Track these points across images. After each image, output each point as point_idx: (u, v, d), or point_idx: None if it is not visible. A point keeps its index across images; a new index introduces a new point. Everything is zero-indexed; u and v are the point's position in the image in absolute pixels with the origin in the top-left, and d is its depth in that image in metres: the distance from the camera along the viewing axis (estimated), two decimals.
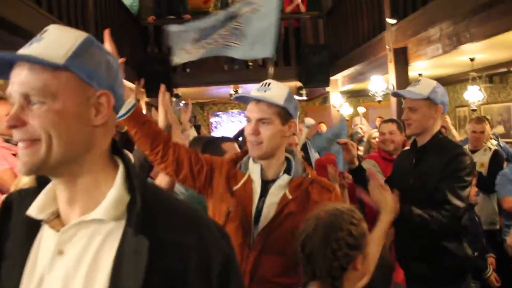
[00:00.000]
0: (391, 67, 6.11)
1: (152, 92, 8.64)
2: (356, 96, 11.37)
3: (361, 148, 5.24)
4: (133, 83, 6.22)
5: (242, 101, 1.96)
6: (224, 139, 2.80)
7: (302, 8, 8.80)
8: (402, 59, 6.02)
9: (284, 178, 1.79)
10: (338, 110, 9.02)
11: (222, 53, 3.86)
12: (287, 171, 1.82)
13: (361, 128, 5.98)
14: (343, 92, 9.32)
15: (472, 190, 3.36)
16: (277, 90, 1.78)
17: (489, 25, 4.33)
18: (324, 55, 8.30)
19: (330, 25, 8.77)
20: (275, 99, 1.74)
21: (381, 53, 6.38)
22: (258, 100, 1.77)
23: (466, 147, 4.56)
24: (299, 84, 8.82)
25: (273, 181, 1.80)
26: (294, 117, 1.82)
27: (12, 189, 2.08)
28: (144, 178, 0.96)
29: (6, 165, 2.96)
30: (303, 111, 12.57)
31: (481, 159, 4.31)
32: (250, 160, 1.85)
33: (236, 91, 10.80)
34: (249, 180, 1.81)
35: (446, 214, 2.25)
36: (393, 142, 3.67)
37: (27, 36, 3.62)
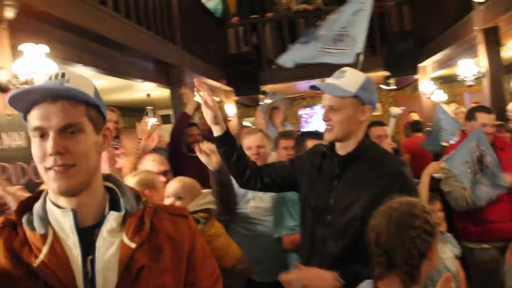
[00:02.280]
0: (481, 49, 5.79)
1: (240, 91, 8.99)
2: (449, 82, 10.84)
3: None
4: (222, 83, 6.45)
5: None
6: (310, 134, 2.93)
7: None
8: (493, 39, 5.68)
9: (113, 218, 1.14)
10: (429, 98, 8.68)
11: (330, 61, 3.96)
12: (114, 206, 1.17)
13: None
14: (434, 79, 8.94)
15: None
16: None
17: None
18: (410, 41, 8.03)
19: (415, 10, 8.46)
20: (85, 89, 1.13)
21: (469, 35, 6.07)
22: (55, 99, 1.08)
23: None
24: (386, 73, 8.62)
25: (97, 225, 1.14)
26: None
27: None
28: None
29: (104, 167, 3.27)
30: (393, 100, 12.24)
31: None
32: (49, 205, 1.14)
33: None
34: (57, 240, 1.10)
35: None
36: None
37: (122, 48, 4.02)
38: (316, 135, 3.00)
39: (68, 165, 1.06)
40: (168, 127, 7.72)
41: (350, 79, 1.93)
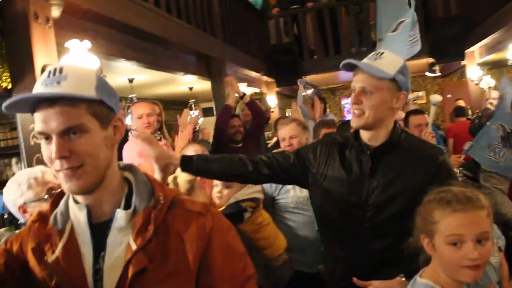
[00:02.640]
0: None
1: (282, 82, 8.98)
2: (499, 67, 10.44)
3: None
4: (263, 74, 6.49)
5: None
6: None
7: None
8: None
9: (121, 216, 1.09)
10: (476, 84, 8.39)
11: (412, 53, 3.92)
12: (130, 201, 1.12)
13: (491, 103, 5.52)
14: (482, 64, 8.64)
15: None
16: None
17: None
18: (456, 26, 7.77)
19: None
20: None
21: None
22: None
23: None
24: (431, 60, 8.39)
25: (111, 220, 1.11)
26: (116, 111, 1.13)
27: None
28: None
29: (142, 160, 3.33)
30: (439, 88, 11.91)
31: None
32: (70, 200, 1.14)
33: None
34: (72, 237, 1.11)
35: None
36: None
37: (163, 42, 4.08)
38: None
39: (75, 167, 1.03)
40: (211, 120, 7.84)
41: (388, 61, 1.76)
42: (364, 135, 1.82)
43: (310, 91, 8.53)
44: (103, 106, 1.07)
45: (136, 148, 3.35)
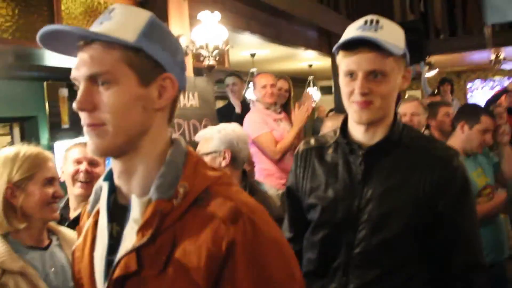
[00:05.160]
0: None
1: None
2: None
3: None
4: None
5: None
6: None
7: None
8: None
9: (136, 204, 0.86)
10: None
11: None
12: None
13: None
14: None
15: None
16: None
17: None
18: None
19: None
20: None
21: None
22: None
23: None
24: None
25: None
26: None
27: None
28: None
29: (266, 129, 3.43)
30: None
31: None
32: (100, 179, 0.97)
33: (497, 56, 9.81)
34: (93, 224, 0.95)
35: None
36: None
37: (287, 16, 4.16)
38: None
39: (95, 124, 0.85)
40: (329, 99, 7.81)
41: (392, 31, 1.30)
42: (357, 130, 1.36)
43: (434, 72, 8.15)
44: (143, 57, 0.86)
45: (258, 118, 3.47)
